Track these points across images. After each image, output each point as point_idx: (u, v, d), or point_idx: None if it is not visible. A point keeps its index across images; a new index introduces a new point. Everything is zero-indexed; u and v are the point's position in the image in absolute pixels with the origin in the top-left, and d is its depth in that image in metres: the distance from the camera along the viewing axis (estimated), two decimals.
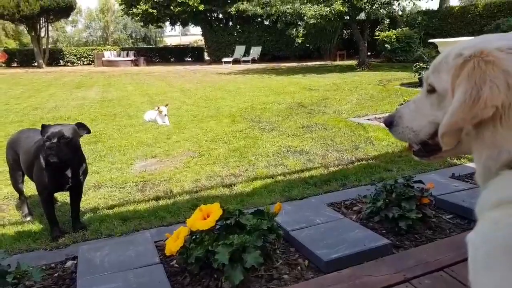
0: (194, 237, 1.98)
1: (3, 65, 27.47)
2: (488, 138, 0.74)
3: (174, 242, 1.96)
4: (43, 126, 2.59)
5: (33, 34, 26.06)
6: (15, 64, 28.44)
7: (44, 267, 2.14)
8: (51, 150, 2.43)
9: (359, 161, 4.06)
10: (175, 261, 2.11)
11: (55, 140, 2.44)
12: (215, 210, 1.97)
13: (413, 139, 0.94)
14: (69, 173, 2.62)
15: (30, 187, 3.46)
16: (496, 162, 0.74)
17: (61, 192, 2.99)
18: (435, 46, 10.23)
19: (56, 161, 2.47)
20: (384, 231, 2.33)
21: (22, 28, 32.51)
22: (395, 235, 2.28)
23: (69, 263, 2.21)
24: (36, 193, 2.94)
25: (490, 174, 0.75)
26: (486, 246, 0.71)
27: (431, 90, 0.88)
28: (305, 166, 3.99)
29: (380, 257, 1.98)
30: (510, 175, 0.72)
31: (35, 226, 2.92)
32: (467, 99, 0.72)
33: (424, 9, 22.58)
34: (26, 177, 3.19)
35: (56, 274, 2.11)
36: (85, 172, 2.80)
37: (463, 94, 0.74)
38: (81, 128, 2.68)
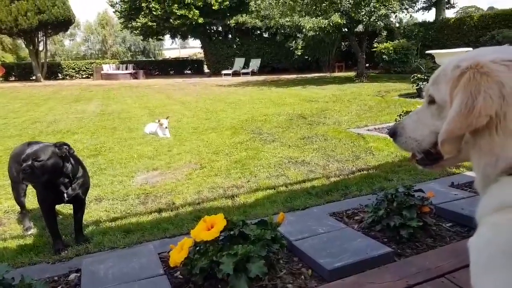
0: (198, 248, 2.00)
1: (1, 79, 27.59)
2: (485, 146, 0.77)
3: (179, 253, 1.97)
4: (28, 144, 2.61)
5: (31, 48, 26.20)
6: (13, 78, 28.55)
7: (47, 280, 2.14)
8: (23, 173, 2.42)
9: (360, 171, 4.08)
10: (179, 272, 2.12)
11: (29, 162, 2.43)
12: (219, 221, 1.98)
13: (416, 149, 0.97)
14: (63, 188, 2.60)
15: (31, 201, 3.46)
16: (494, 169, 0.76)
17: (63, 205, 3.01)
18: (432, 57, 10.36)
19: (30, 182, 2.49)
20: (385, 240, 2.35)
21: (20, 42, 32.73)
22: (397, 243, 2.30)
23: (72, 275, 2.22)
24: (38, 206, 2.95)
25: (489, 181, 0.78)
26: (488, 250, 0.73)
27: (431, 101, 0.92)
28: (307, 176, 4.01)
29: (382, 265, 2.00)
30: (508, 181, 0.75)
31: (37, 240, 2.92)
32: (463, 108, 0.76)
33: (420, 21, 22.87)
34: (27, 191, 3.22)
35: (59, 287, 2.12)
36: (83, 186, 2.75)
37: (459, 103, 0.77)
38: (61, 147, 2.58)
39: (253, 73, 24.83)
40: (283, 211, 2.85)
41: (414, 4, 18.19)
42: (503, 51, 0.81)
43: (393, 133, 1.01)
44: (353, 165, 4.29)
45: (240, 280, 1.81)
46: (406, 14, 17.18)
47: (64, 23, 26.01)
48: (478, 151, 0.80)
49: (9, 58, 38.62)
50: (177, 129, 7.16)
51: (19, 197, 3.15)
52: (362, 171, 4.08)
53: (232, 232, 2.01)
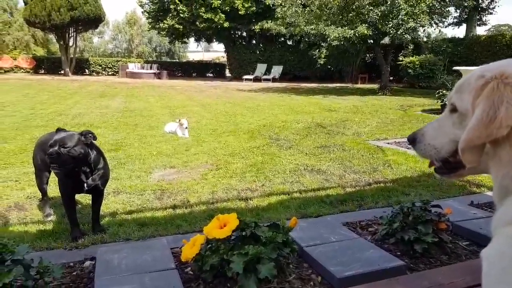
0: (210, 245, 2.02)
1: (31, 71, 28.47)
2: (505, 157, 0.77)
3: (191, 248, 2.00)
4: (57, 130, 2.69)
5: (61, 43, 26.95)
6: (42, 71, 29.44)
7: (63, 265, 2.21)
8: (50, 157, 2.50)
9: (377, 183, 4.05)
10: (190, 268, 2.15)
11: (56, 148, 2.50)
12: (232, 220, 2.01)
13: (435, 156, 0.97)
14: (83, 178, 2.67)
15: (52, 189, 3.57)
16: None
17: (82, 194, 3.10)
18: (459, 74, 10.17)
19: (56, 167, 2.54)
20: (399, 253, 2.33)
21: (51, 36, 33.66)
22: (410, 257, 2.27)
23: (87, 263, 2.28)
24: (58, 194, 3.04)
25: (507, 193, 0.78)
26: (501, 263, 0.72)
27: (453, 110, 0.91)
28: (322, 185, 4.00)
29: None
30: None
31: (56, 226, 3.01)
32: (484, 117, 0.76)
33: (450, 36, 22.54)
34: (50, 179, 3.32)
35: (74, 273, 2.18)
36: (103, 177, 2.82)
37: (481, 112, 0.77)
38: (87, 135, 2.65)
39: (274, 80, 24.87)
40: (296, 216, 2.85)
41: (444, 19, 17.94)
42: None
43: (413, 139, 1.01)
44: (370, 177, 4.26)
45: (249, 280, 1.83)
46: (435, 29, 16.93)
47: (95, 20, 26.65)
48: (497, 162, 0.79)
49: (40, 52, 39.84)
50: (196, 130, 7.24)
51: (41, 184, 3.25)
52: (379, 183, 4.04)
53: (244, 233, 2.04)
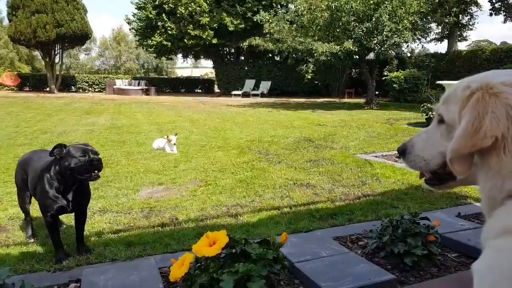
0: (199, 264, 1.98)
1: (15, 88, 28.15)
2: (493, 168, 0.77)
3: (179, 268, 1.95)
4: (34, 152, 2.75)
5: (47, 60, 26.76)
6: (27, 88, 29.12)
7: None
8: (99, 163, 2.68)
9: (366, 196, 4.06)
10: None
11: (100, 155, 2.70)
12: (221, 238, 1.97)
13: (424, 168, 0.96)
14: (70, 196, 2.65)
15: (36, 209, 3.48)
16: (500, 192, 0.76)
17: (66, 214, 3.03)
18: (442, 88, 10.39)
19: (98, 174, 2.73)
20: (389, 267, 2.32)
21: (37, 53, 33.48)
22: (400, 271, 2.26)
23: (72, 285, 2.21)
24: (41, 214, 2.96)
25: (495, 204, 0.77)
26: (491, 276, 0.72)
27: (441, 121, 0.91)
28: (312, 199, 3.99)
29: None
30: None
31: (39, 248, 2.92)
32: (469, 128, 0.77)
33: (432, 51, 23.11)
34: (33, 199, 3.24)
35: None
36: (87, 196, 2.83)
37: (466, 123, 0.78)
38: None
39: (262, 95, 25.05)
40: (286, 232, 2.83)
41: (426, 35, 18.41)
42: None
43: (402, 150, 1.01)
44: (359, 191, 4.27)
45: None
46: (418, 45, 17.39)
47: (81, 37, 26.62)
48: (485, 173, 0.79)
49: (25, 69, 39.55)
50: (184, 145, 7.20)
51: (24, 204, 3.17)
52: (368, 196, 4.05)
53: (234, 250, 2.00)
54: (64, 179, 2.61)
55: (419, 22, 15.56)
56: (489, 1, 23.01)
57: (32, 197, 3.20)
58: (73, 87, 30.70)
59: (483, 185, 0.81)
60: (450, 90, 0.92)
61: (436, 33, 25.09)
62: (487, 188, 0.79)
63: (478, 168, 0.81)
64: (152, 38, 26.51)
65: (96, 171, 2.65)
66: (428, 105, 9.25)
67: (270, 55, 28.36)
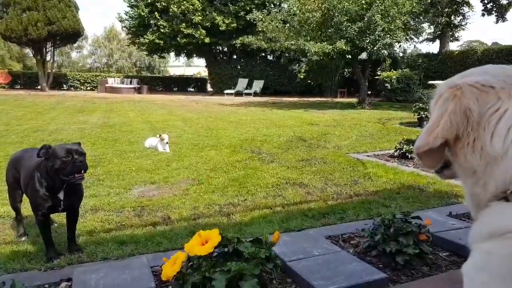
0: (191, 263, 1.98)
1: (6, 86, 27.83)
2: (463, 166, 0.78)
3: (171, 267, 1.95)
4: (25, 150, 2.73)
5: (38, 57, 26.50)
6: (18, 86, 28.80)
7: (38, 287, 2.11)
8: (82, 164, 2.63)
9: (358, 195, 4.08)
10: (170, 287, 2.09)
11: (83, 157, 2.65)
12: (213, 237, 1.97)
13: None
14: (61, 195, 2.62)
15: (27, 208, 3.44)
16: (484, 191, 0.76)
17: (57, 213, 3.00)
18: (434, 87, 10.47)
19: (83, 176, 2.68)
20: (381, 265, 2.33)
21: (28, 51, 33.11)
22: (392, 269, 2.28)
23: (63, 284, 2.19)
24: (32, 213, 2.94)
25: (479, 202, 0.78)
26: (481, 276, 0.73)
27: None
28: (304, 198, 4.00)
29: None
30: (498, 207, 0.74)
31: (30, 246, 2.89)
32: (429, 126, 0.79)
33: (424, 52, 23.30)
34: (24, 197, 3.21)
35: None
36: (79, 194, 2.81)
37: (429, 121, 0.80)
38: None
39: (255, 94, 25.05)
40: (278, 231, 2.83)
41: (419, 35, 18.54)
42: (492, 74, 0.78)
43: None
44: (351, 190, 4.29)
45: None
46: (410, 45, 17.53)
47: (73, 35, 26.40)
48: (461, 170, 0.81)
49: (16, 67, 39.11)
50: (177, 144, 7.18)
51: (15, 202, 3.13)
52: (360, 196, 4.08)
53: (226, 249, 2.00)
54: (52, 179, 2.58)
55: (411, 22, 15.67)
56: (481, 2, 23.23)
57: (24, 196, 3.18)
58: (64, 85, 30.41)
59: (464, 180, 0.82)
60: (438, 87, 0.93)
61: (428, 33, 25.27)
62: (469, 184, 0.80)
63: (454, 164, 0.83)
64: (145, 36, 26.35)
65: (80, 172, 2.58)
66: (420, 105, 9.34)
67: (263, 54, 28.36)
